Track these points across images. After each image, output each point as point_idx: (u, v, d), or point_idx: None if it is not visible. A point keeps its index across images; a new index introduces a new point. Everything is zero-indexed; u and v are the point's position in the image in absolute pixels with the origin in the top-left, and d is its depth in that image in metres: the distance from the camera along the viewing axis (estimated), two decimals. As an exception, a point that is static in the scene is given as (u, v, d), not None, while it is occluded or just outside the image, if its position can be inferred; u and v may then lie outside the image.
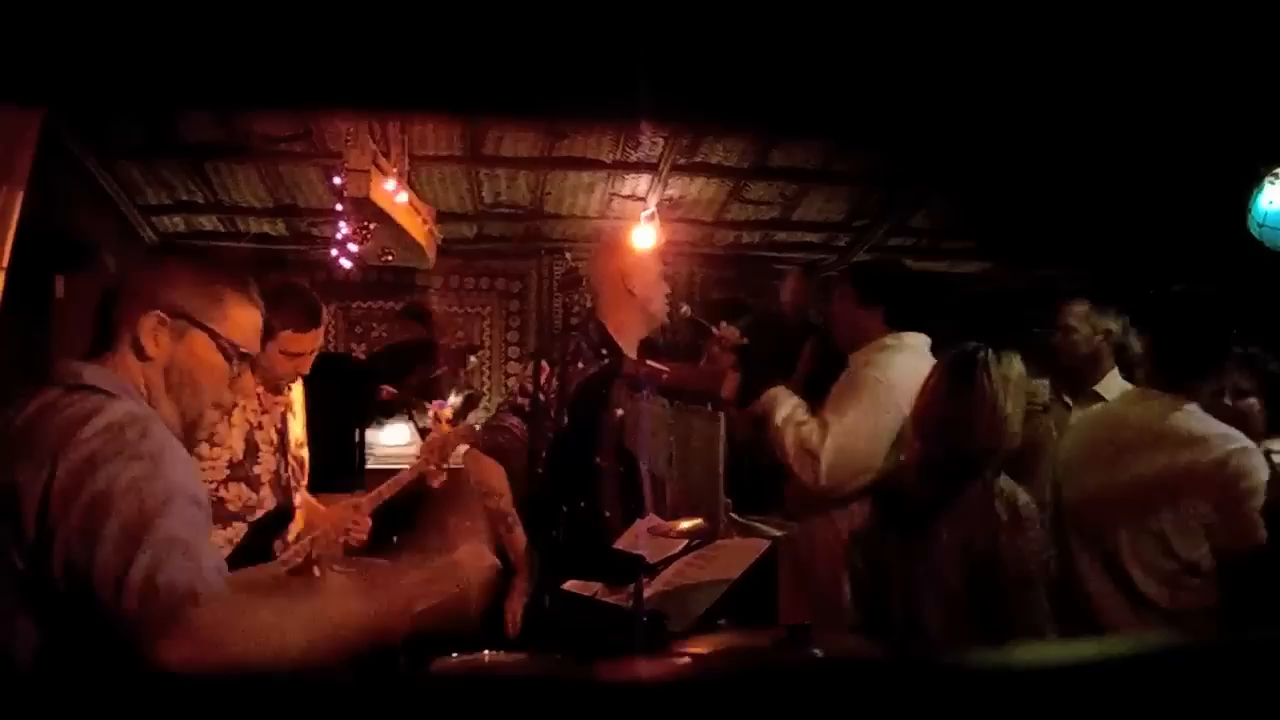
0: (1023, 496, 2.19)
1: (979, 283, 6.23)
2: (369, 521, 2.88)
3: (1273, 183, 3.50)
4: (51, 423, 1.35)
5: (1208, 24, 2.53)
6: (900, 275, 3.09)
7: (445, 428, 3.73)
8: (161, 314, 1.49)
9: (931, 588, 2.18)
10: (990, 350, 2.27)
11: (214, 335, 1.52)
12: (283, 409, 2.90)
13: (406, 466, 3.58)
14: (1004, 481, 2.22)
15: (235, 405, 2.69)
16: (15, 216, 3.09)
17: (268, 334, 2.54)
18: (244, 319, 1.57)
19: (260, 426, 2.80)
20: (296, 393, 2.98)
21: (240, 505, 2.66)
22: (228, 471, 2.66)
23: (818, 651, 1.87)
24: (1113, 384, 3.22)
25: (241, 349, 1.56)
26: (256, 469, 2.75)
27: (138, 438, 1.34)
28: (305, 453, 3.00)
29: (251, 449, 2.76)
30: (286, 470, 2.87)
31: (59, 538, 1.27)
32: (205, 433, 1.66)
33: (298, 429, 2.97)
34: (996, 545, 2.13)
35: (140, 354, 1.48)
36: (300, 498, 2.90)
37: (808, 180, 4.97)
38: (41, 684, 1.29)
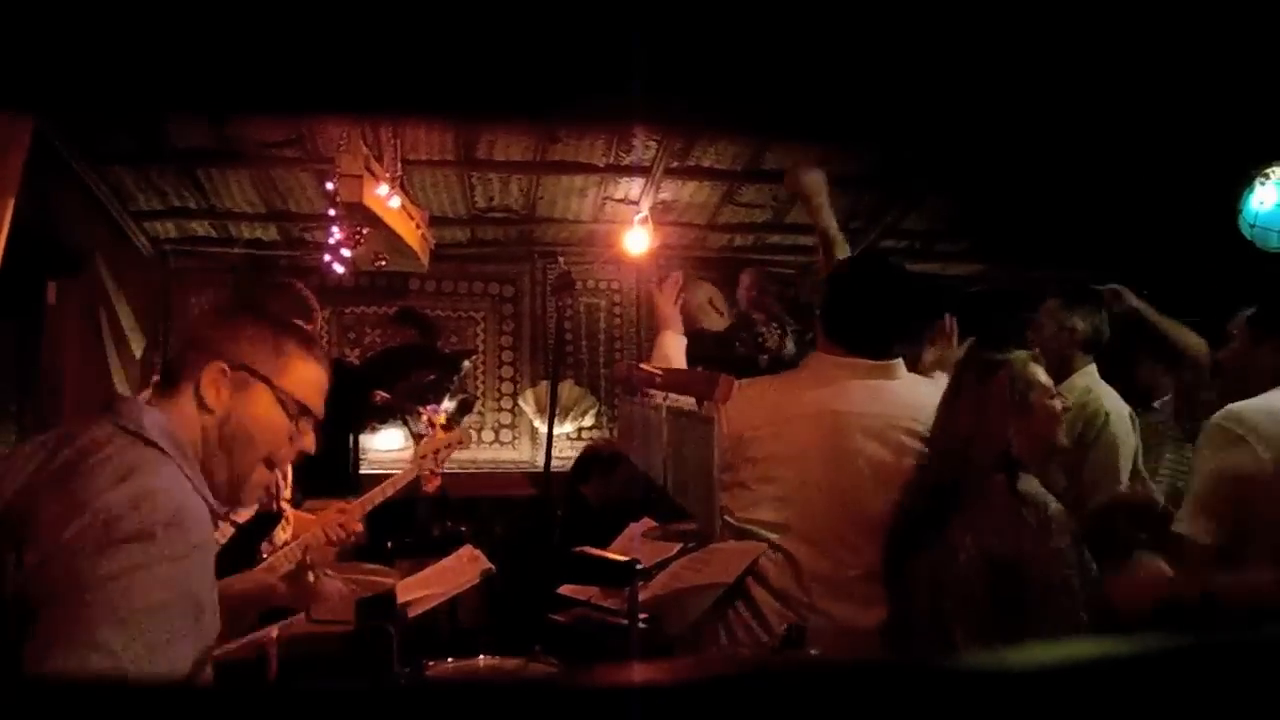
0: (1052, 503, 2.04)
1: (972, 284, 6.25)
2: (359, 526, 2.88)
3: (1263, 183, 3.53)
4: (101, 465, 1.31)
5: (1198, 26, 2.54)
6: (833, 279, 2.50)
7: (439, 432, 3.79)
8: (224, 364, 1.47)
9: (956, 598, 2.02)
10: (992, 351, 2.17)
11: (274, 388, 1.50)
12: None
13: (400, 471, 3.60)
14: (1028, 484, 2.06)
15: (289, 464, 2.66)
16: (7, 222, 3.08)
17: None
18: (307, 374, 1.54)
19: None
20: None
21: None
22: None
23: (814, 651, 1.87)
24: (1076, 382, 3.23)
25: (303, 404, 1.54)
26: None
27: (165, 520, 1.28)
28: (286, 471, 3.02)
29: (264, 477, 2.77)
30: (275, 479, 2.90)
31: (42, 583, 1.22)
32: (253, 494, 1.59)
33: None
34: (1023, 555, 1.98)
35: (202, 404, 1.46)
36: (285, 507, 2.96)
37: (801, 183, 4.98)
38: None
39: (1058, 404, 2.17)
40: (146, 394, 1.54)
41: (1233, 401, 2.31)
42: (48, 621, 1.20)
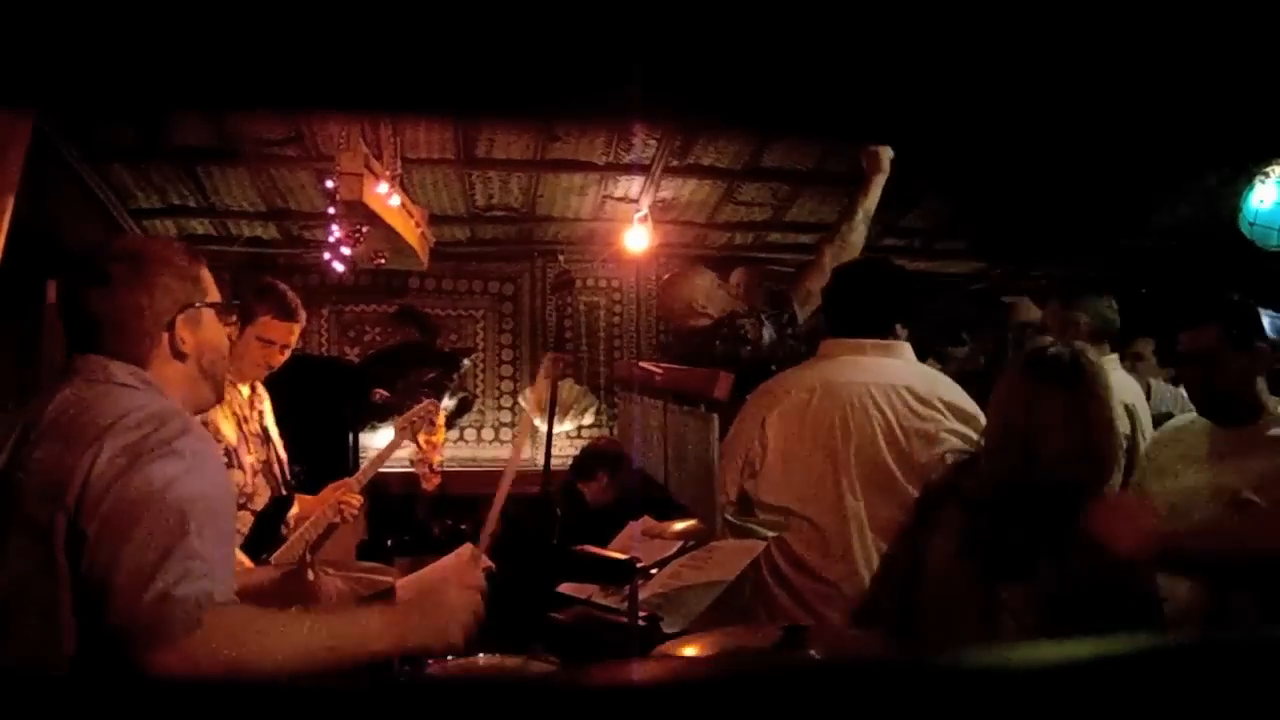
0: None
1: (972, 283, 6.25)
2: (360, 498, 3.10)
3: (1263, 181, 3.53)
4: (95, 408, 1.42)
5: (1198, 24, 2.54)
6: (833, 278, 2.83)
7: (439, 432, 3.84)
8: (179, 316, 1.59)
9: (1021, 634, 1.84)
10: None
11: (212, 307, 1.65)
12: (259, 410, 3.10)
13: (400, 469, 3.65)
14: None
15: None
16: (6, 221, 3.08)
17: (248, 319, 2.79)
18: (210, 279, 1.69)
19: (247, 420, 2.99)
20: (266, 404, 3.18)
21: (237, 491, 2.80)
22: (225, 459, 2.79)
23: (813, 653, 1.87)
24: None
25: (221, 302, 1.69)
26: (249, 458, 2.91)
27: (180, 431, 1.41)
28: (284, 454, 3.19)
29: (242, 438, 2.93)
30: (276, 462, 3.08)
31: (95, 521, 1.32)
32: (226, 440, 1.78)
33: (273, 427, 3.17)
34: (1115, 573, 1.80)
35: (180, 356, 1.59)
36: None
37: (800, 181, 4.98)
38: (82, 668, 1.31)
39: None
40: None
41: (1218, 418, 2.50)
42: (130, 547, 1.30)
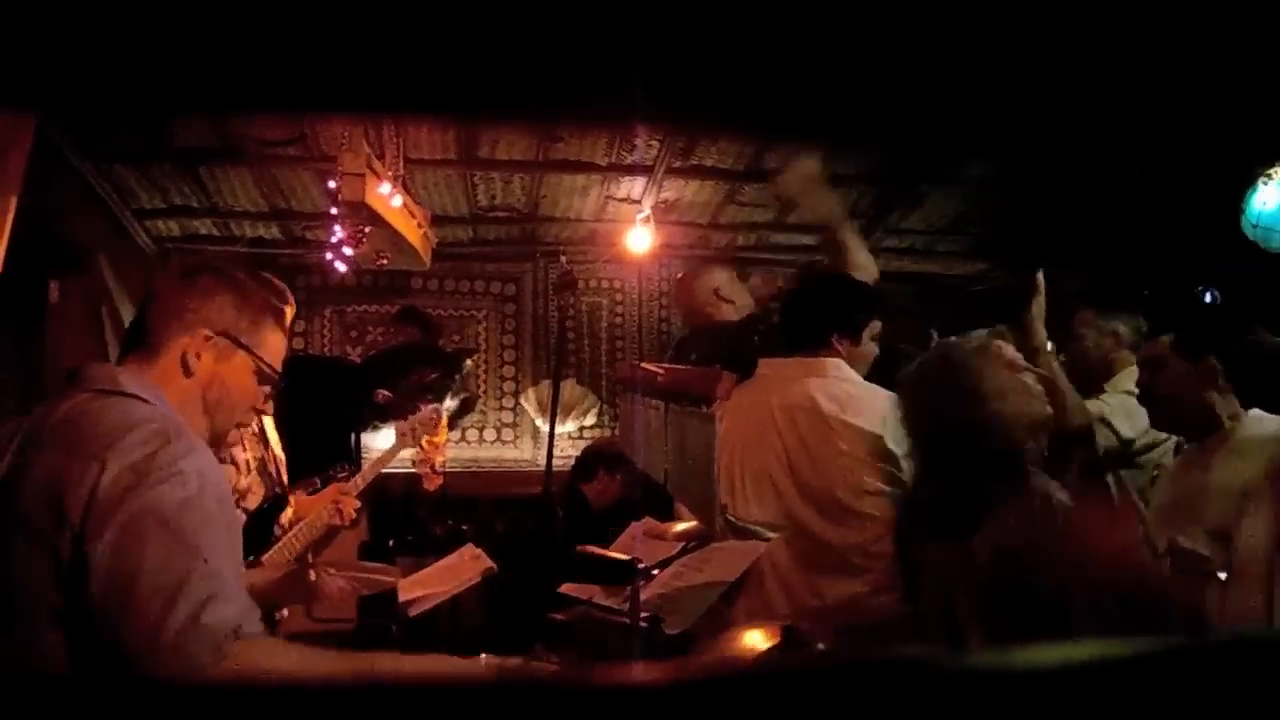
0: (1058, 494, 2.07)
1: (973, 284, 6.25)
2: (357, 501, 3.07)
3: (1266, 183, 3.52)
4: (100, 420, 1.39)
5: (1202, 25, 2.54)
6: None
7: (441, 433, 3.84)
8: (209, 333, 1.55)
9: (972, 598, 2.05)
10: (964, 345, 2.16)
11: (255, 357, 1.59)
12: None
13: (402, 470, 3.65)
14: (1038, 477, 2.10)
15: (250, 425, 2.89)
16: (9, 221, 3.08)
17: None
18: (277, 344, 1.65)
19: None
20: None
21: (230, 488, 2.77)
22: (218, 456, 2.76)
23: (820, 645, 1.88)
24: (1123, 381, 3.19)
25: (276, 371, 1.64)
26: (243, 455, 2.89)
27: (185, 451, 1.37)
28: (281, 453, 3.17)
29: (237, 434, 2.89)
30: (273, 461, 3.05)
31: (103, 540, 1.29)
32: (226, 451, 1.71)
33: (272, 432, 3.14)
34: (1036, 550, 1.99)
35: (186, 370, 1.54)
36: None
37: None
38: (76, 679, 1.30)
39: (1029, 378, 2.13)
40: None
41: (1166, 427, 2.57)
42: (146, 573, 1.27)
